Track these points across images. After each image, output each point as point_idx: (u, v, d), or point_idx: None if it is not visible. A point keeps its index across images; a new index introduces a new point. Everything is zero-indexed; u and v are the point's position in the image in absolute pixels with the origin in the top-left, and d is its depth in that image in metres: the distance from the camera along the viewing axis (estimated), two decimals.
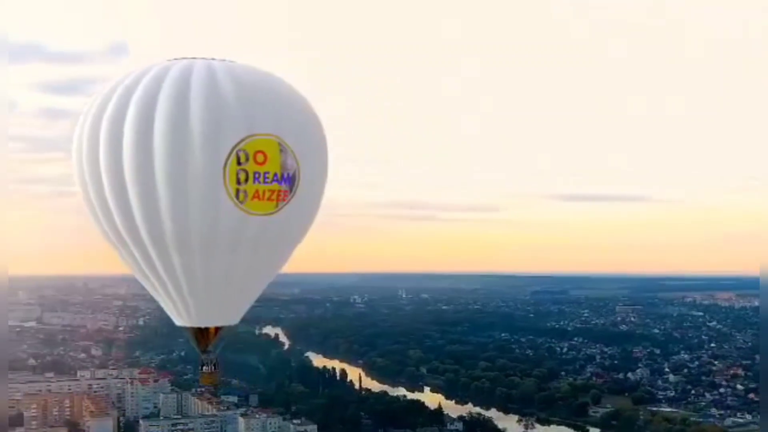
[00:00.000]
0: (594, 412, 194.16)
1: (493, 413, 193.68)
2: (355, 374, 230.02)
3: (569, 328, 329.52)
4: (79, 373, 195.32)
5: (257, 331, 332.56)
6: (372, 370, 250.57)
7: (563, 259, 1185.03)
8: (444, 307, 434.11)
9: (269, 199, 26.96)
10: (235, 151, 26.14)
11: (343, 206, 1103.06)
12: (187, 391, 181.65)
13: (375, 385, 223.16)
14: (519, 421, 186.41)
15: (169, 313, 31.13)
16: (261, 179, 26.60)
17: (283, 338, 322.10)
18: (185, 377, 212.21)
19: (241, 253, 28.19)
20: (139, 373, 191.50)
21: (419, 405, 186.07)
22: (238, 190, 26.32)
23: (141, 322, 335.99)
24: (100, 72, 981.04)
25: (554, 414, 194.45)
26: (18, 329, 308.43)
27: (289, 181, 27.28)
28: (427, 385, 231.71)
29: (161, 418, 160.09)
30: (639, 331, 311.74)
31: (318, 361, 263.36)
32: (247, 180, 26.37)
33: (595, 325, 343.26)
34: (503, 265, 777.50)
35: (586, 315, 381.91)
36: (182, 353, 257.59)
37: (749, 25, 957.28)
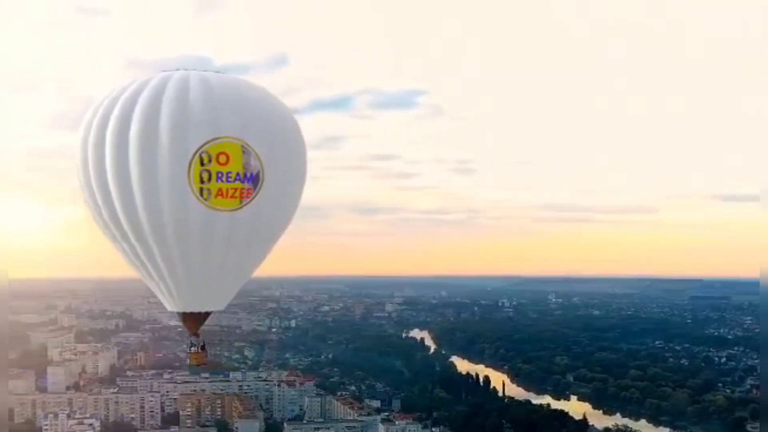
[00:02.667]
0: (752, 427, 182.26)
1: (642, 425, 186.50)
2: (498, 381, 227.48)
3: (729, 337, 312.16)
4: (231, 374, 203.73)
5: (403, 335, 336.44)
6: (517, 377, 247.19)
7: (725, 263, 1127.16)
8: (595, 312, 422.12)
9: (232, 196, 29.79)
10: (198, 153, 29.07)
11: (493, 209, 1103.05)
12: (332, 394, 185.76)
13: (519, 393, 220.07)
14: None
15: (161, 299, 34.48)
16: (224, 178, 29.46)
17: (428, 342, 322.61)
18: (331, 380, 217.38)
19: (214, 246, 31.19)
20: (287, 376, 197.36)
21: (563, 415, 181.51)
22: (202, 189, 29.36)
23: (293, 324, 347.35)
24: (261, 83, 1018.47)
25: (708, 428, 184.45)
26: (178, 329, 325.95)
27: (252, 180, 29.94)
28: (574, 394, 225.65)
29: (305, 421, 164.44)
30: None
31: (462, 366, 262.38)
32: (210, 179, 29.31)
33: (758, 334, 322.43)
34: (660, 269, 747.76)
35: (748, 322, 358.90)
36: (330, 356, 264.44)
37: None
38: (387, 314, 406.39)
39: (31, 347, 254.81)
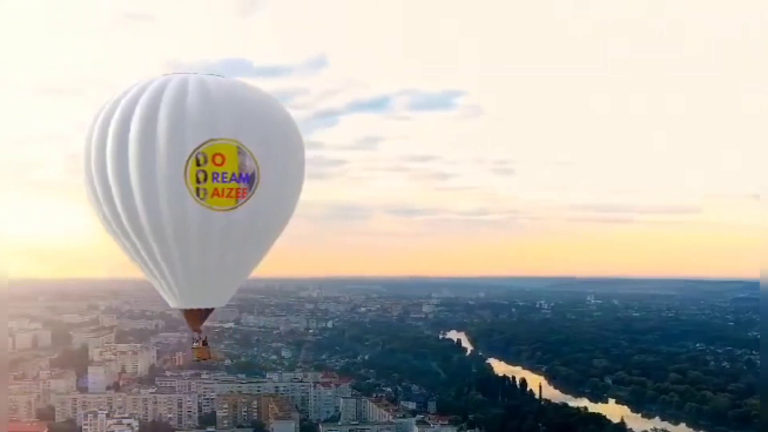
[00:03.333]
0: None
1: (681, 429, 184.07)
2: (535, 383, 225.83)
3: None
4: (267, 375, 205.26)
5: (440, 336, 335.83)
6: (554, 379, 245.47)
7: None
8: (634, 314, 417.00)
9: (228, 196, 30.79)
10: (194, 154, 30.13)
11: (532, 209, 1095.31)
12: (368, 396, 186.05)
13: (556, 395, 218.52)
14: None
15: (163, 295, 35.42)
16: (219, 178, 30.51)
17: (465, 343, 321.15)
18: (367, 381, 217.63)
19: (212, 244, 32.23)
20: (322, 377, 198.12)
21: (601, 418, 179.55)
22: (198, 189, 30.42)
23: (330, 325, 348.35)
24: (300, 84, 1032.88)
25: None
26: (217, 329, 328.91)
27: (247, 179, 30.97)
28: (612, 397, 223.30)
29: (340, 423, 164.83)
30: None
31: (499, 367, 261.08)
32: (206, 179, 30.37)
33: None
34: (703, 270, 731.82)
35: None
36: (366, 357, 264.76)
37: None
38: (424, 315, 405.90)
39: (72, 347, 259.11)
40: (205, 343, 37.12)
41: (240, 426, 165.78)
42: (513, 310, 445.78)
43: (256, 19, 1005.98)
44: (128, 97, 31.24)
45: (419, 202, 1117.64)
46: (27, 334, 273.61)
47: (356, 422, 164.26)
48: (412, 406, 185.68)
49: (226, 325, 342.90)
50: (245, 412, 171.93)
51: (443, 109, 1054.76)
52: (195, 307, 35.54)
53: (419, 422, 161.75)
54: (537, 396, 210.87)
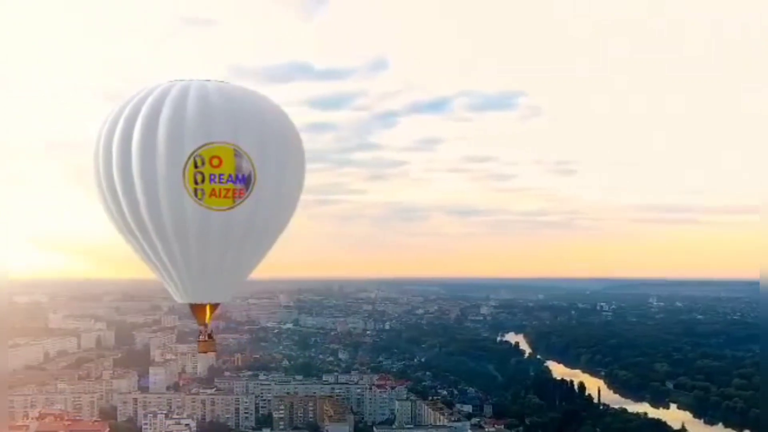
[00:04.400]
0: None
1: None
2: (594, 387, 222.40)
3: None
4: (324, 377, 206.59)
5: (498, 338, 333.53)
6: (613, 383, 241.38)
7: None
8: (698, 317, 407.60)
9: (225, 196, 32.40)
10: (192, 157, 31.84)
11: (593, 210, 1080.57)
12: (423, 399, 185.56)
13: (615, 400, 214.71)
14: None
15: (170, 291, 37.48)
16: (216, 180, 32.17)
17: (523, 346, 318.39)
18: (423, 383, 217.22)
19: (212, 242, 33.89)
20: (378, 379, 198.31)
21: (661, 424, 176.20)
22: (196, 189, 32.10)
23: (387, 327, 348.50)
24: (361, 86, 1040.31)
25: None
26: (276, 330, 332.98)
27: (243, 181, 32.53)
28: (673, 402, 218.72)
29: (394, 426, 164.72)
30: None
31: (557, 371, 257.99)
32: (203, 180, 32.06)
33: None
34: None
35: None
36: (422, 359, 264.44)
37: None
38: (482, 317, 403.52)
39: (135, 347, 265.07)
40: (210, 337, 38.58)
41: (296, 428, 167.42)
42: (573, 312, 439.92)
43: (317, 22, 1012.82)
44: (133, 102, 33.15)
45: (478, 203, 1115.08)
46: (92, 334, 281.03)
47: (411, 425, 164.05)
48: (468, 409, 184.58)
49: (285, 326, 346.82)
50: (301, 413, 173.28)
51: (503, 109, 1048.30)
52: (200, 302, 37.24)
53: (474, 426, 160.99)
54: (595, 400, 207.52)
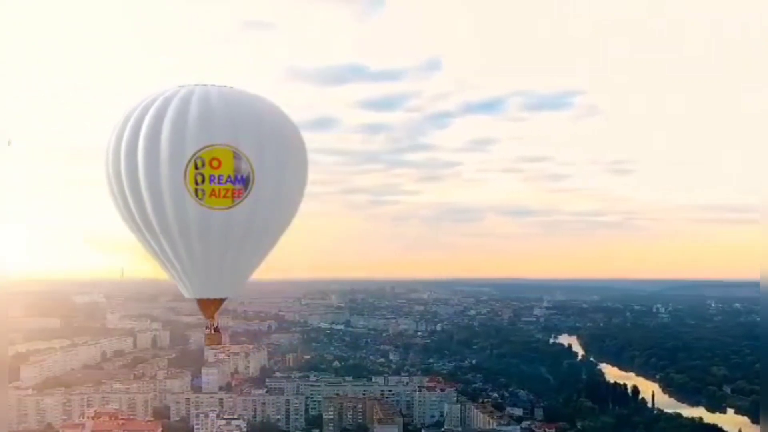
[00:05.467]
0: None
1: None
2: (648, 390, 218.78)
3: None
4: (374, 378, 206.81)
5: (551, 341, 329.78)
6: (668, 387, 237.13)
7: None
8: (758, 319, 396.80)
9: (224, 196, 34.13)
10: (193, 159, 33.59)
11: (650, 210, 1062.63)
12: (473, 401, 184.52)
13: (670, 404, 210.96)
14: None
15: (179, 286, 39.18)
16: (216, 180, 33.92)
17: (576, 348, 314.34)
18: (474, 386, 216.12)
19: (214, 240, 35.71)
20: (428, 382, 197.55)
21: (717, 429, 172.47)
22: (196, 189, 33.88)
23: (439, 328, 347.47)
24: (414, 87, 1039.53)
25: None
26: (327, 331, 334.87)
27: (242, 181, 34.24)
28: (730, 407, 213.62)
29: (443, 429, 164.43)
30: None
31: (611, 374, 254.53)
32: (203, 181, 33.82)
33: None
34: None
35: None
36: (473, 361, 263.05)
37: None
38: (535, 318, 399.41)
39: (189, 347, 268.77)
40: (216, 330, 40.18)
41: (345, 429, 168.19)
42: (628, 314, 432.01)
43: (371, 23, 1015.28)
44: (141, 107, 34.99)
45: (532, 203, 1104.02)
46: (147, 334, 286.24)
47: (460, 428, 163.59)
48: (518, 412, 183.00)
49: (337, 327, 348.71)
50: (350, 415, 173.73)
51: (558, 109, 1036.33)
52: (206, 297, 38.93)
53: (525, 429, 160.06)
54: (649, 404, 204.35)
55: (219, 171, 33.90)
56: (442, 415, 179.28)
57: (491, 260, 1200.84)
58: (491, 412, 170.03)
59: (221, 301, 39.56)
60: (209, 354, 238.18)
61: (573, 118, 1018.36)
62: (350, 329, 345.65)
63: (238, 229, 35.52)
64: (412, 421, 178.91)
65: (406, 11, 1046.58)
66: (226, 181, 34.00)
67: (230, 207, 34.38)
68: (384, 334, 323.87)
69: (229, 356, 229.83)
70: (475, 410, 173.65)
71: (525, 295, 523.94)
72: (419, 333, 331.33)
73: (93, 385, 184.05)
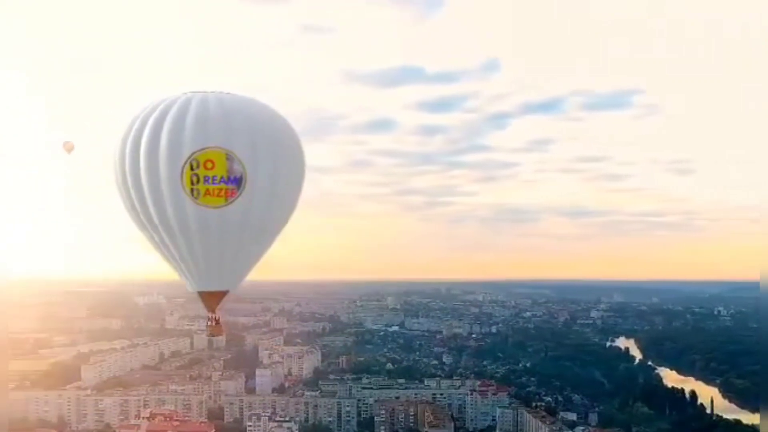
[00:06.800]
0: None
1: None
2: (707, 396, 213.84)
3: None
4: (426, 381, 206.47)
5: (608, 344, 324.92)
6: (729, 392, 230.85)
7: None
8: None
9: (218, 195, 36.65)
10: (189, 160, 36.13)
11: (712, 210, 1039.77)
12: (526, 405, 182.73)
13: (730, 410, 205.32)
14: None
15: (183, 280, 41.66)
16: (210, 181, 36.44)
17: (634, 351, 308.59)
18: (527, 390, 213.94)
19: (211, 236, 38.20)
20: (480, 385, 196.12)
21: None
22: (192, 189, 36.50)
23: (494, 330, 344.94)
24: (472, 88, 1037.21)
25: None
26: (381, 333, 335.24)
27: (235, 181, 36.67)
28: None
29: None
30: None
31: (669, 378, 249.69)
32: (198, 181, 36.39)
33: None
34: None
35: None
36: (528, 364, 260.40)
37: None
38: (591, 321, 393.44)
39: (245, 348, 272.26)
40: (218, 322, 42.63)
41: None
42: (688, 316, 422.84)
43: (429, 25, 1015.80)
44: (145, 112, 37.80)
45: (591, 203, 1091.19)
46: (204, 336, 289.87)
47: None
48: (572, 417, 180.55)
49: (391, 329, 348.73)
50: (402, 418, 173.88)
51: (618, 108, 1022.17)
52: (208, 289, 41.34)
53: None
54: (708, 410, 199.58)
55: (213, 172, 36.31)
56: (494, 420, 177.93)
57: (548, 261, 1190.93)
58: (543, 417, 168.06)
59: (223, 294, 41.86)
60: (264, 355, 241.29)
61: (632, 118, 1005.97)
62: (404, 331, 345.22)
63: (233, 226, 37.86)
64: (464, 425, 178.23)
65: (464, 13, 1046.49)
66: (220, 181, 36.43)
67: (224, 205, 36.79)
68: (438, 337, 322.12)
69: (283, 358, 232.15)
70: (528, 415, 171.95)
71: (582, 297, 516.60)
72: (473, 335, 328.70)
73: (150, 386, 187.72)
